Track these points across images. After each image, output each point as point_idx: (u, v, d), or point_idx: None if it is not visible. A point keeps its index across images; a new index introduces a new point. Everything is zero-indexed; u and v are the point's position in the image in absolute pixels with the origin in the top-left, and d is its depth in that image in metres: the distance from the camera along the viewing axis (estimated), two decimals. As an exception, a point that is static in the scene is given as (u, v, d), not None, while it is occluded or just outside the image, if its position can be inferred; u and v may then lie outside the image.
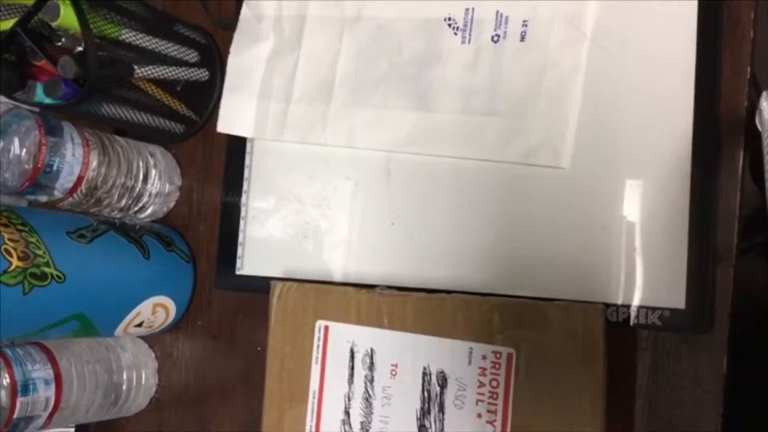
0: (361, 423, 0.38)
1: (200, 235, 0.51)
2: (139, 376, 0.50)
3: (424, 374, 0.37)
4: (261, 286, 0.45)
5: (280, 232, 0.47)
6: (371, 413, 0.38)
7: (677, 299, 0.36)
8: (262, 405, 0.41)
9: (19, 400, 0.42)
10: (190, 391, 0.50)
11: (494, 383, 0.35)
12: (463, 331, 0.36)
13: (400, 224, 0.43)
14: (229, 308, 0.49)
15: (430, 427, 0.36)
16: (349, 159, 0.46)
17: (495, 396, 0.35)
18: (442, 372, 0.36)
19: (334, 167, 0.46)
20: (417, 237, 0.43)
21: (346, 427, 0.38)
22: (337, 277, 0.45)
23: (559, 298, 0.37)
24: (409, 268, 0.43)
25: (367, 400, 0.38)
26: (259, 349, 0.47)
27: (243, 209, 0.48)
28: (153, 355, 0.51)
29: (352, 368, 0.39)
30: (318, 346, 0.40)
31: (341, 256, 0.45)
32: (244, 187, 0.49)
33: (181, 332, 0.51)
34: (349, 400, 0.38)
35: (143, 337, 0.51)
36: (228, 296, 0.49)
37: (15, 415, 0.42)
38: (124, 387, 0.49)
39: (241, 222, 0.48)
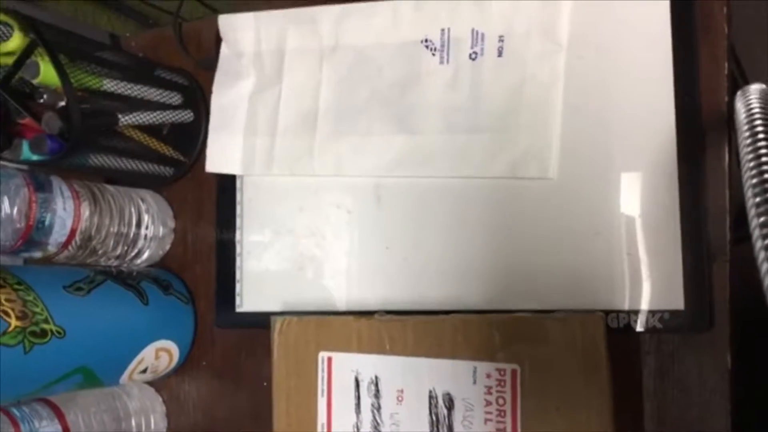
0: (372, 451, 0.38)
1: (198, 276, 0.51)
2: (148, 421, 0.50)
3: (431, 397, 0.36)
4: (262, 321, 0.44)
5: (276, 265, 0.47)
6: (381, 441, 0.38)
7: (676, 300, 0.36)
8: (272, 441, 0.41)
9: (30, 459, 0.42)
10: (200, 433, 0.50)
11: (501, 401, 0.35)
12: (466, 351, 0.36)
13: (395, 248, 0.44)
14: (232, 346, 0.49)
15: (441, 450, 0.36)
16: (339, 187, 0.46)
17: (503, 414, 0.35)
18: (448, 394, 0.36)
19: (324, 197, 0.46)
20: (412, 259, 0.43)
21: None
22: (336, 305, 0.45)
23: (558, 308, 0.37)
24: (406, 291, 0.43)
25: (376, 428, 0.38)
26: (265, 384, 0.46)
27: (238, 246, 0.49)
28: (160, 399, 0.51)
29: (358, 397, 0.39)
30: (323, 377, 0.40)
31: (338, 285, 0.45)
32: (238, 224, 0.49)
33: (187, 374, 0.51)
34: (358, 429, 0.38)
35: (149, 382, 0.51)
36: (230, 334, 0.49)
37: (26, 475, 0.41)
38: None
39: (237, 259, 0.48)
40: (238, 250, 0.49)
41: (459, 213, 0.42)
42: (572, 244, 0.39)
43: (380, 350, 0.38)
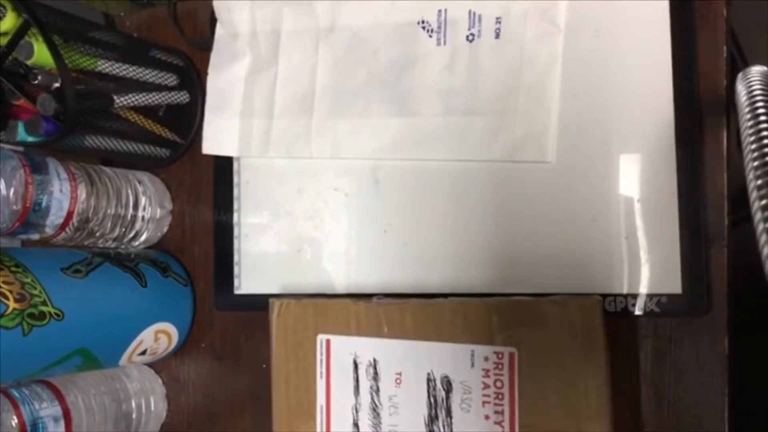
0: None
1: (196, 258, 0.51)
2: (148, 402, 0.50)
3: (429, 380, 0.37)
4: (260, 303, 0.45)
5: (274, 247, 0.47)
6: (380, 423, 0.38)
7: (673, 284, 0.36)
8: (272, 423, 0.41)
9: (30, 440, 0.42)
10: (200, 414, 0.50)
11: (499, 384, 0.35)
12: (464, 334, 0.36)
13: (393, 231, 0.43)
14: (232, 328, 0.50)
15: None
16: (337, 170, 0.46)
17: (501, 396, 0.35)
18: (446, 377, 0.36)
19: (322, 179, 0.46)
20: (410, 243, 0.43)
21: (355, 437, 0.39)
22: (335, 288, 0.45)
23: (556, 292, 0.37)
24: (404, 274, 0.43)
25: (375, 410, 0.38)
26: (264, 366, 0.47)
27: (236, 228, 0.48)
28: (160, 381, 0.51)
29: (357, 380, 0.39)
30: (321, 360, 0.40)
31: (337, 268, 0.45)
32: (235, 206, 0.49)
33: (186, 356, 0.51)
34: (356, 411, 0.39)
35: (149, 364, 0.51)
36: (229, 316, 0.49)
37: (27, 456, 0.42)
38: (134, 415, 0.49)
39: (235, 241, 0.48)
40: (236, 232, 0.48)
41: (457, 196, 0.42)
42: (570, 227, 0.39)
43: (378, 333, 0.39)
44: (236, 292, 0.48)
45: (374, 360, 0.38)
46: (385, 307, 0.39)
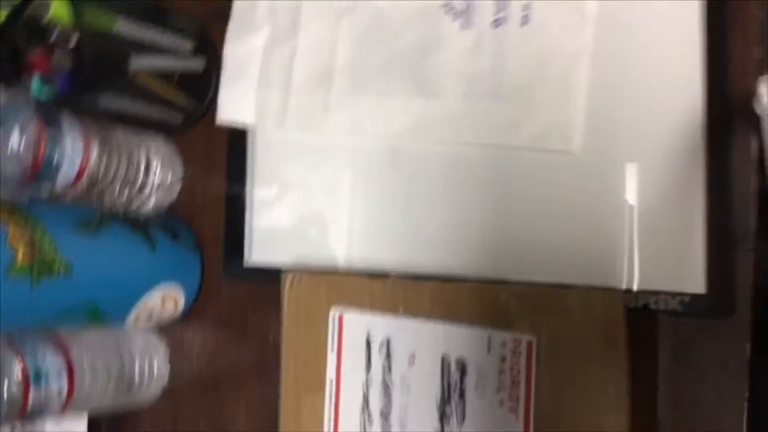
0: (381, 410, 0.38)
1: (206, 225, 0.50)
2: (151, 365, 0.50)
3: (443, 362, 0.36)
4: (270, 275, 0.44)
5: (286, 221, 0.46)
6: (390, 401, 0.37)
7: (697, 284, 0.36)
8: (278, 393, 0.41)
9: (32, 389, 0.41)
10: (203, 381, 0.50)
11: (515, 371, 0.35)
12: (481, 319, 0.36)
13: (408, 212, 0.43)
14: (239, 297, 0.49)
15: (451, 414, 0.36)
16: (354, 147, 0.45)
17: (517, 384, 0.34)
18: (461, 360, 0.36)
19: (338, 155, 0.45)
20: (425, 224, 0.42)
21: (366, 415, 0.38)
22: (347, 265, 0.44)
23: (575, 284, 0.37)
24: (418, 255, 0.42)
25: (386, 388, 0.38)
26: (271, 336, 0.46)
27: (248, 199, 0.48)
28: (164, 345, 0.51)
29: (369, 357, 0.38)
30: (333, 335, 0.40)
31: (350, 246, 0.44)
32: (248, 177, 0.48)
33: (191, 323, 0.50)
34: (367, 387, 0.38)
35: (154, 328, 0.51)
36: (237, 285, 0.49)
37: (28, 405, 0.41)
38: (136, 376, 0.49)
39: (247, 212, 0.48)
40: (247, 203, 0.48)
41: (475, 181, 0.41)
42: (592, 220, 0.39)
43: (394, 312, 0.38)
44: (246, 263, 0.47)
45: (388, 338, 0.38)
46: (402, 287, 0.38)
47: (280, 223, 0.47)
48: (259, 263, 0.47)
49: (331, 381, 0.39)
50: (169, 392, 0.50)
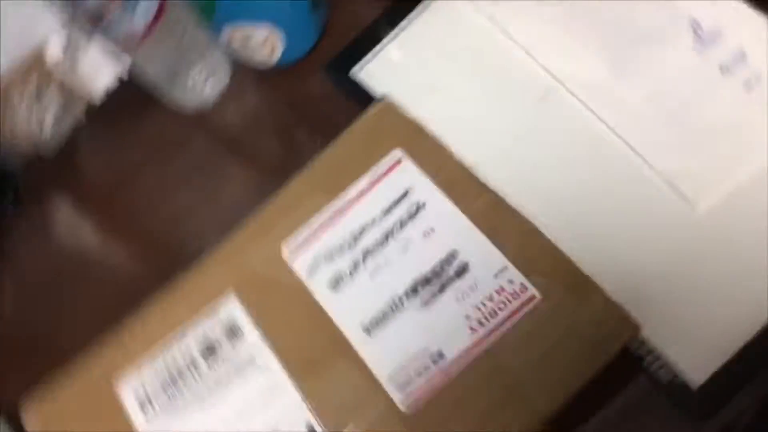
0: (367, 248, 0.37)
1: (343, 16, 0.50)
2: (206, 78, 0.50)
3: (451, 254, 0.36)
4: (367, 97, 0.44)
5: (409, 75, 0.46)
6: (380, 248, 0.37)
7: (699, 373, 0.35)
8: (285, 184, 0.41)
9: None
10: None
11: (502, 306, 0.34)
12: (512, 251, 0.35)
13: (533, 146, 0.42)
14: (320, 94, 0.49)
15: (419, 295, 0.35)
16: (517, 67, 0.44)
17: (494, 316, 0.34)
18: (466, 263, 0.36)
19: (496, 72, 0.45)
20: (541, 168, 0.41)
21: (350, 241, 0.38)
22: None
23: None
24: (520, 189, 0.38)
25: (387, 236, 0.37)
26: (319, 141, 0.45)
27: (389, 34, 0.48)
28: (228, 71, 0.51)
29: (395, 203, 0.38)
30: (380, 169, 0.39)
31: (460, 138, 0.42)
32: (397, 29, 0.48)
33: (265, 82, 0.50)
34: (372, 223, 0.38)
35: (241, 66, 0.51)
36: (326, 84, 0.48)
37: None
38: (189, 79, 0.49)
39: (385, 41, 0.48)
40: (387, 35, 0.48)
41: (600, 172, 0.41)
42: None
43: (447, 192, 0.38)
44: (352, 73, 0.47)
45: (423, 203, 0.38)
46: (469, 178, 0.38)
47: (406, 76, 0.46)
48: (361, 81, 0.47)
49: (351, 199, 0.39)
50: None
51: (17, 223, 0.52)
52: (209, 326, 0.39)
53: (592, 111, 0.42)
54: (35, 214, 0.52)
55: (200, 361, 0.38)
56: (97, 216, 0.52)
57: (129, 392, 0.38)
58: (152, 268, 0.47)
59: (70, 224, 0.52)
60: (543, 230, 0.36)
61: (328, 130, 0.43)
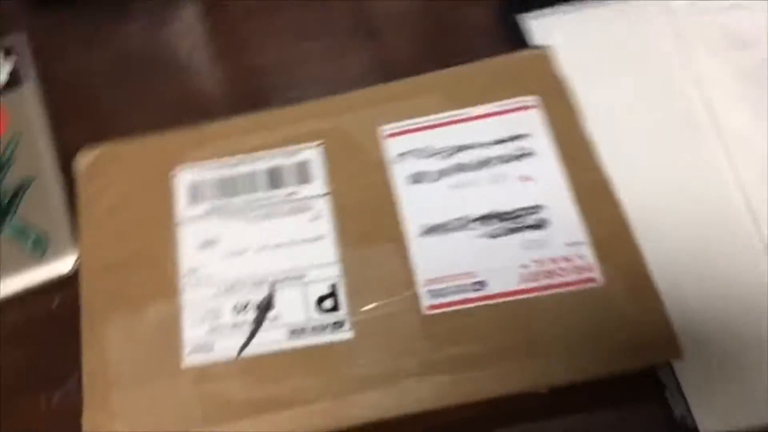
0: (463, 163, 0.37)
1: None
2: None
3: (536, 206, 0.36)
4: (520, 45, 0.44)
5: (577, 48, 0.43)
6: (476, 168, 0.37)
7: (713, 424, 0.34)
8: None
9: None
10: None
11: (561, 272, 0.34)
12: (595, 232, 0.35)
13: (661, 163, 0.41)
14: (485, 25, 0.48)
15: (490, 225, 0.35)
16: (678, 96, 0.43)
17: (550, 276, 0.34)
18: (546, 221, 0.35)
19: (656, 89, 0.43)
20: (658, 186, 0.40)
21: (451, 150, 0.38)
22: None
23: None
24: (633, 190, 0.37)
25: (486, 162, 0.37)
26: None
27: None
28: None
29: (508, 139, 0.38)
30: (509, 102, 0.39)
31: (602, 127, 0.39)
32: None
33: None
34: (479, 144, 0.38)
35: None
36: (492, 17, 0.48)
37: None
38: None
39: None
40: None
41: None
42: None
43: (562, 153, 0.37)
44: (520, 20, 0.47)
45: (534, 152, 0.37)
46: (589, 157, 0.38)
47: (573, 47, 0.44)
48: (527, 29, 0.46)
49: (467, 113, 0.39)
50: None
51: (148, 7, 0.53)
52: (284, 160, 0.39)
53: (730, 159, 0.41)
54: (165, 7, 0.53)
55: (263, 184, 0.39)
56: (218, 36, 0.52)
57: (185, 180, 0.39)
58: (244, 102, 0.48)
59: (190, 29, 0.53)
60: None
61: (468, 57, 0.42)
